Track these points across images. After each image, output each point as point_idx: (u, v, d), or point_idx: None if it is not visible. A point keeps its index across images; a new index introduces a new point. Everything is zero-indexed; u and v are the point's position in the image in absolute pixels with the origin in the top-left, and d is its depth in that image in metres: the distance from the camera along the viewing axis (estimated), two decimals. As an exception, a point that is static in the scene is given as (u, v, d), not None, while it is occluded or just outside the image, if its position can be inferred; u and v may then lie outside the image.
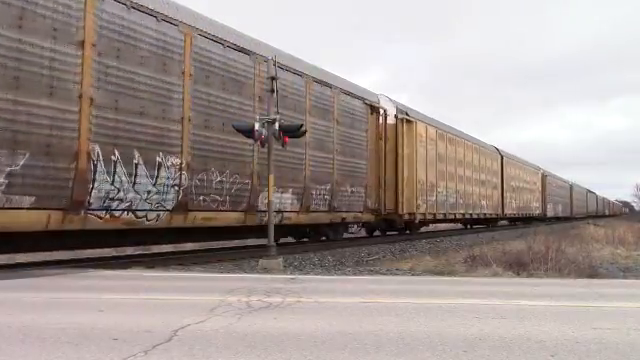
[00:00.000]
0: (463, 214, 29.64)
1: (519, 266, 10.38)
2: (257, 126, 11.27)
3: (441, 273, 10.46)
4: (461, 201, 29.00)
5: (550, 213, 54.05)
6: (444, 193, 26.49)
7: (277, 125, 11.30)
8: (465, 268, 10.94)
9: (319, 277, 9.48)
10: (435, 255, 14.60)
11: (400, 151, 21.81)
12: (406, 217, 22.40)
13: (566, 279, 9.36)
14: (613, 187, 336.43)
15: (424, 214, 23.92)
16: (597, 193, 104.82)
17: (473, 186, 31.15)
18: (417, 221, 23.66)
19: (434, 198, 25.19)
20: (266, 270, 10.44)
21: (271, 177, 11.66)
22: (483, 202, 33.28)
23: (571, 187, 69.97)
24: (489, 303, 6.24)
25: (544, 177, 52.72)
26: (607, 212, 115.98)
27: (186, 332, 4.56)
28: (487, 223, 36.97)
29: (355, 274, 10.29)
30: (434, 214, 25.26)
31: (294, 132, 12.06)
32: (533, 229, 26.37)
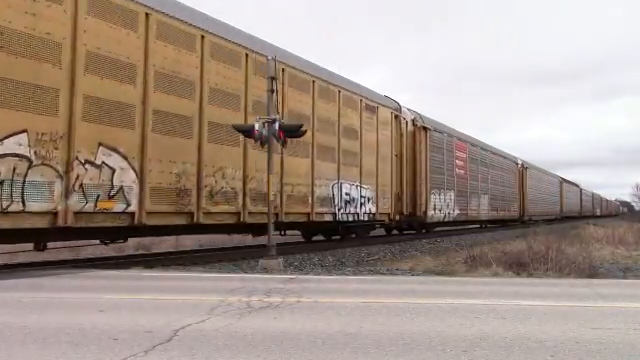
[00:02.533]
0: None
1: (519, 266, 10.38)
2: (257, 126, 11.26)
3: (441, 273, 10.47)
4: None
5: (443, 213, 25.40)
6: None
7: (277, 125, 11.29)
8: (465, 268, 10.94)
9: (319, 277, 9.47)
10: (435, 255, 14.61)
11: None
12: None
13: (566, 279, 9.36)
14: (614, 187, 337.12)
15: None
16: (582, 186, 79.08)
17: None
18: None
19: None
20: (266, 270, 10.44)
21: (271, 177, 11.68)
22: None
23: (524, 169, 42.55)
24: (489, 303, 6.24)
25: (418, 130, 23.45)
26: (599, 212, 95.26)
27: (186, 332, 4.55)
28: None
29: (355, 274, 10.29)
30: None
31: (294, 132, 12.06)
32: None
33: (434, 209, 24.40)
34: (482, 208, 31.93)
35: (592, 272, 10.35)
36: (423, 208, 23.17)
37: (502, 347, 4.21)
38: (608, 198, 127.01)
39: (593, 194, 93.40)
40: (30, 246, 10.46)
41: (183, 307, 5.83)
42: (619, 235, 20.56)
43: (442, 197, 25.57)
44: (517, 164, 41.62)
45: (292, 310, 5.72)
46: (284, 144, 12.16)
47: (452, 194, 26.87)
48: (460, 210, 27.85)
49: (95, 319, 5.13)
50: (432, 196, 24.18)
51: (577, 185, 74.18)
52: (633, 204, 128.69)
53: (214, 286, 7.69)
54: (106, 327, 4.74)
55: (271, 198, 11.77)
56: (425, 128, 24.06)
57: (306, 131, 12.93)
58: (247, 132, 11.61)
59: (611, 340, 4.45)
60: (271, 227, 11.51)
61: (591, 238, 19.78)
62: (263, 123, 11.30)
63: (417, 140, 23.40)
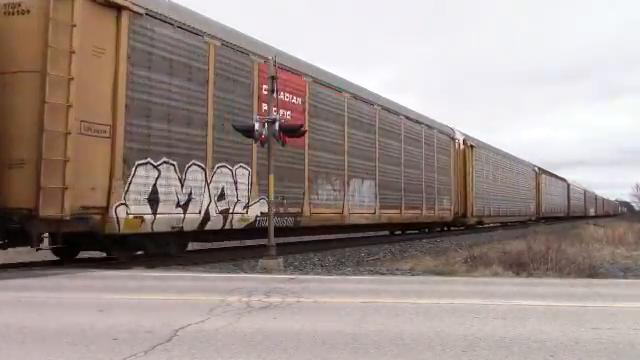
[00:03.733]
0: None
1: (519, 266, 10.39)
2: (257, 126, 11.25)
3: (441, 273, 10.46)
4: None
5: (195, 213, 11.47)
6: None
7: (277, 125, 11.28)
8: (465, 268, 10.95)
9: (319, 277, 9.48)
10: (435, 255, 14.60)
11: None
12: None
13: (566, 279, 9.36)
14: (616, 187, 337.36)
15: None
16: (570, 181, 64.89)
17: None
18: None
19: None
20: (266, 270, 10.44)
21: (271, 177, 11.66)
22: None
23: (467, 148, 29.58)
24: (489, 303, 6.24)
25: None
26: (593, 212, 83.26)
27: (186, 332, 4.55)
28: None
29: (355, 274, 10.29)
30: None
31: (294, 132, 12.05)
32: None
33: (149, 201, 10.80)
34: (354, 204, 18.07)
35: (592, 272, 10.36)
36: (95, 200, 9.86)
37: (502, 347, 4.21)
38: (609, 198, 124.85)
39: (586, 191, 79.04)
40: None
41: (183, 307, 5.83)
42: (619, 235, 20.57)
43: (196, 177, 11.97)
44: (454, 139, 28.02)
45: (292, 310, 5.73)
46: (284, 144, 12.13)
47: (246, 173, 13.45)
48: (282, 206, 14.38)
49: (95, 319, 5.13)
50: (140, 172, 10.62)
51: (564, 179, 60.40)
52: (633, 204, 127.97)
53: (214, 286, 7.69)
54: (106, 327, 4.74)
55: (271, 199, 11.75)
56: (119, 7, 10.17)
57: (306, 131, 12.85)
58: (247, 132, 11.59)
59: (611, 340, 4.44)
60: (272, 227, 11.50)
61: (591, 238, 19.80)
62: (263, 123, 11.30)
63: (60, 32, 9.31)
